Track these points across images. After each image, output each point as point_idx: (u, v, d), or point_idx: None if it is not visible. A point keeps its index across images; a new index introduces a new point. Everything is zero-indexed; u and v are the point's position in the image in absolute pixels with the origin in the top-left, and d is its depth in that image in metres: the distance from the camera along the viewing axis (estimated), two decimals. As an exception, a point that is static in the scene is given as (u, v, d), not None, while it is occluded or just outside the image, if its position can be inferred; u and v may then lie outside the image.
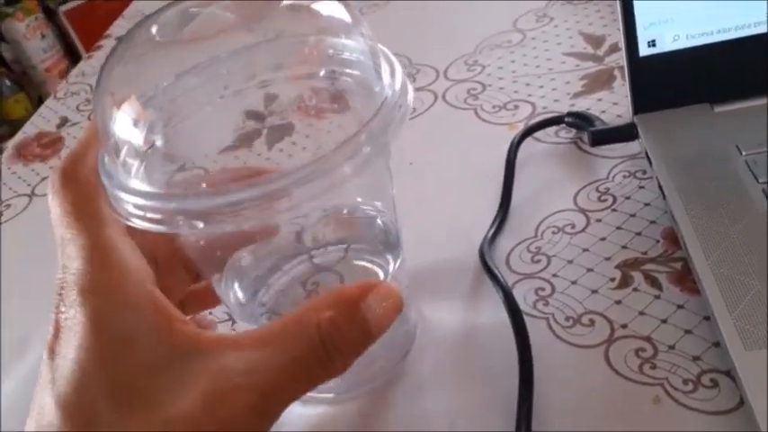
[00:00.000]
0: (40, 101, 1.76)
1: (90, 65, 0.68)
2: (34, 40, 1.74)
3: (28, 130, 0.60)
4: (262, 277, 0.28)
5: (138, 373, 0.22)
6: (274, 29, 0.24)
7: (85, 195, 0.24)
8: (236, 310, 0.29)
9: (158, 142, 0.24)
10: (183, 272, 0.28)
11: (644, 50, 0.37)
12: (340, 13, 0.25)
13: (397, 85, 0.24)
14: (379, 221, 0.29)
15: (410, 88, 0.24)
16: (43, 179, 0.53)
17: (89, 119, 0.59)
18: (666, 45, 0.37)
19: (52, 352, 0.23)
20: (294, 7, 0.24)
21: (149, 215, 0.22)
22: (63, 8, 1.76)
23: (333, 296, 0.23)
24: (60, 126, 0.59)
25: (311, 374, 0.22)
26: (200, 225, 0.21)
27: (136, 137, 0.24)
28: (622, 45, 0.37)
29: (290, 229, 0.28)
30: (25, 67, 1.77)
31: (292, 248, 0.28)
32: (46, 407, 0.22)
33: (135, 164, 0.23)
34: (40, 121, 0.61)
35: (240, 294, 0.28)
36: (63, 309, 0.23)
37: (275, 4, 0.24)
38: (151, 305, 0.23)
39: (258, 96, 0.26)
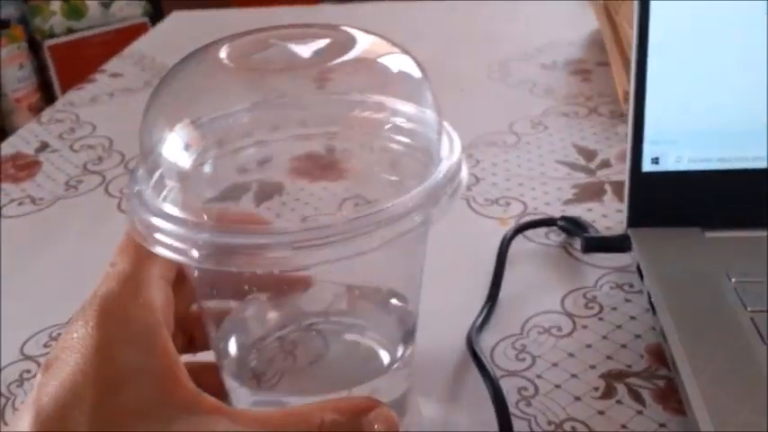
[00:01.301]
0: (2, 131, 1.72)
1: (79, 95, 0.67)
2: (11, 69, 1.71)
3: (5, 149, 0.58)
4: (257, 340, 0.27)
5: (126, 414, 0.20)
6: (342, 77, 0.24)
7: None
8: (229, 369, 0.27)
9: (207, 168, 0.23)
10: (180, 334, 0.27)
11: (647, 166, 0.38)
12: (408, 72, 0.25)
13: (454, 159, 0.23)
14: (396, 303, 0.28)
15: (465, 166, 0.24)
16: (12, 200, 0.51)
17: (72, 148, 0.57)
18: (669, 164, 0.38)
19: (47, 369, 0.21)
20: (363, 61, 0.24)
21: (172, 242, 0.21)
22: (48, 42, 1.75)
23: (339, 402, 0.24)
24: (40, 151, 0.57)
25: None
26: (215, 261, 0.20)
27: (183, 160, 0.23)
28: (627, 157, 0.38)
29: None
30: (-5, 93, 1.74)
31: (297, 315, 0.27)
32: (23, 423, 0.20)
33: (172, 186, 0.22)
34: (19, 143, 0.59)
35: (234, 353, 0.27)
36: (75, 327, 0.22)
37: (347, 49, 0.23)
38: (162, 352, 0.22)
39: (303, 149, 0.25)
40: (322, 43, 0.24)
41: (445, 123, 0.25)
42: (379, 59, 0.24)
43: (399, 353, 0.27)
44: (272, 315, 0.28)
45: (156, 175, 0.23)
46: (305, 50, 0.23)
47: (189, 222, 0.21)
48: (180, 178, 0.23)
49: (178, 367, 0.22)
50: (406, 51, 0.25)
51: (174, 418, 0.21)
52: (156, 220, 0.21)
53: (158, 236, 0.21)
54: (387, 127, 0.25)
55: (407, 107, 0.25)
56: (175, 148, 0.23)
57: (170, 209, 0.21)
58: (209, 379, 0.29)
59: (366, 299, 0.28)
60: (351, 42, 0.24)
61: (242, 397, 0.26)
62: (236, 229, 0.20)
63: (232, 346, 0.27)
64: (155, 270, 0.24)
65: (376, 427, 0.23)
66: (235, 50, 0.24)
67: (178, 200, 0.22)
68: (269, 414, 0.23)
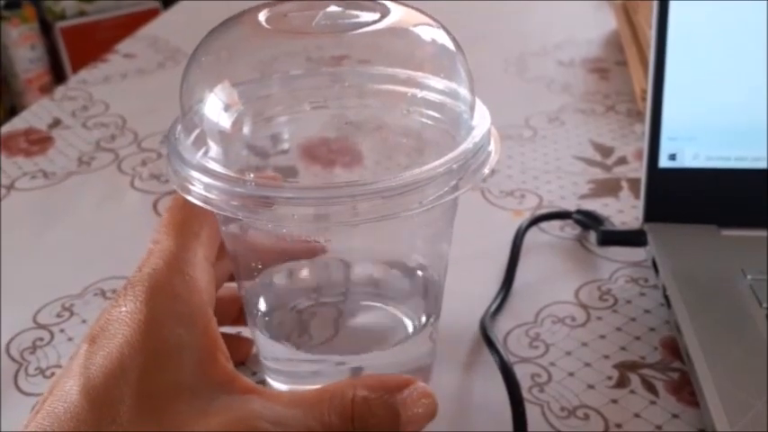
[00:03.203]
0: (13, 111, 1.71)
1: (92, 74, 0.67)
2: (23, 49, 1.71)
3: (18, 123, 0.58)
4: (285, 303, 0.27)
5: (170, 388, 0.21)
6: (373, 46, 0.24)
7: (198, 217, 0.25)
8: (260, 324, 0.28)
9: (245, 129, 0.23)
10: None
11: (664, 162, 0.38)
12: (442, 44, 0.25)
13: (483, 131, 0.23)
14: (420, 275, 0.28)
15: (496, 137, 0.24)
16: (24, 174, 0.51)
17: (85, 126, 0.57)
18: (686, 161, 0.38)
19: (94, 341, 0.22)
20: (396, 31, 0.24)
21: (210, 194, 0.21)
22: (60, 24, 1.75)
23: (371, 380, 0.24)
24: (52, 127, 0.57)
25: None
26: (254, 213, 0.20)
27: (224, 120, 0.23)
28: (644, 152, 0.38)
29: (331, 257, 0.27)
30: (6, 73, 1.74)
31: (326, 282, 0.28)
32: (70, 391, 0.21)
33: (212, 144, 0.23)
34: (32, 118, 0.59)
35: (265, 312, 0.27)
36: (122, 302, 0.22)
37: (381, 19, 0.24)
38: (205, 331, 0.23)
39: (331, 118, 0.26)
40: (360, 12, 0.24)
41: (477, 99, 0.25)
42: (412, 30, 0.24)
43: (422, 322, 0.27)
44: (301, 280, 0.28)
45: (195, 133, 0.23)
46: (343, 17, 0.23)
47: (228, 177, 0.21)
48: (220, 138, 0.23)
49: (219, 347, 0.23)
50: (440, 24, 0.25)
51: (214, 395, 0.21)
52: (196, 174, 0.21)
53: (197, 188, 0.21)
54: (417, 99, 0.25)
55: (438, 81, 0.25)
56: (216, 109, 0.23)
57: (210, 164, 0.21)
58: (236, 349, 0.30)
59: (390, 268, 0.28)
60: (386, 12, 0.24)
61: (269, 355, 0.27)
62: (272, 184, 0.20)
63: (261, 309, 0.27)
64: (200, 251, 0.24)
65: (414, 409, 0.23)
66: (273, 15, 0.24)
67: (218, 157, 0.22)
68: (301, 394, 0.23)
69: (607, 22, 0.69)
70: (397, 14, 0.24)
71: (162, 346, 0.21)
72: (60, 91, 0.64)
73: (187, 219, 0.25)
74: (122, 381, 0.21)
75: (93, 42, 1.62)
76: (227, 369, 0.22)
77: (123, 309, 0.22)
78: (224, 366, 0.22)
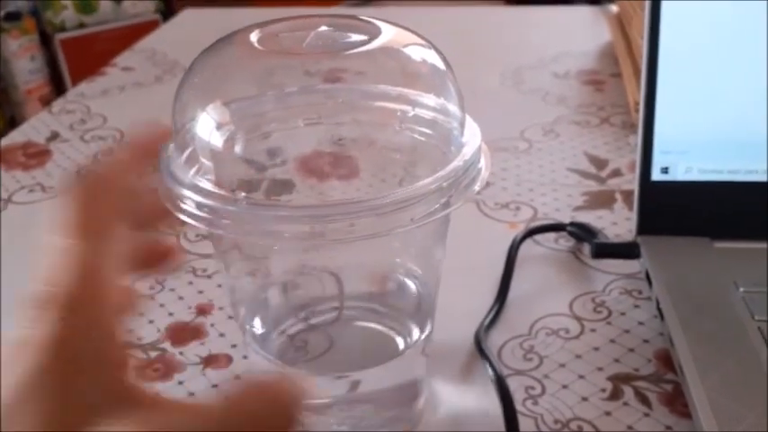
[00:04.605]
0: (12, 121, 1.72)
1: (90, 87, 0.67)
2: (23, 61, 1.72)
3: (15, 137, 0.58)
4: (279, 320, 0.28)
5: (73, 407, 0.20)
6: (365, 65, 0.24)
7: (108, 208, 0.22)
8: (252, 340, 0.28)
9: (238, 148, 0.24)
10: None
11: (656, 175, 0.38)
12: (432, 63, 0.25)
13: (473, 148, 0.24)
14: (413, 289, 0.28)
15: (486, 153, 0.25)
16: (22, 187, 0.51)
17: (82, 139, 0.58)
18: (678, 174, 0.38)
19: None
20: (388, 51, 0.24)
21: (203, 213, 0.21)
22: (60, 36, 1.76)
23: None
24: (50, 140, 0.58)
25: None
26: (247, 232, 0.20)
27: (215, 139, 0.23)
28: (637, 166, 0.38)
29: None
30: (7, 84, 1.74)
31: (319, 298, 0.28)
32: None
33: (203, 163, 0.23)
34: (30, 131, 0.59)
35: (259, 329, 0.27)
36: (31, 323, 0.21)
37: (372, 39, 0.24)
38: (112, 344, 0.21)
39: (325, 134, 0.26)
40: (350, 32, 0.24)
41: (467, 116, 0.26)
42: (403, 50, 0.25)
43: (415, 337, 0.28)
44: (293, 297, 0.28)
45: (188, 151, 0.23)
46: (335, 38, 0.24)
47: (220, 195, 0.21)
48: (212, 156, 0.23)
49: (123, 362, 0.21)
50: (430, 43, 0.25)
51: (121, 408, 0.20)
52: (188, 192, 0.22)
53: (189, 207, 0.21)
54: (408, 116, 0.25)
55: (429, 99, 0.25)
56: (208, 127, 0.23)
57: (202, 183, 0.22)
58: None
59: (383, 282, 0.29)
60: (377, 32, 0.24)
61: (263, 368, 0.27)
62: (264, 203, 0.21)
63: (254, 326, 0.28)
64: (110, 251, 0.22)
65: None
66: (265, 35, 0.24)
67: (210, 175, 0.23)
68: (209, 404, 0.22)
69: (602, 34, 0.70)
70: (388, 35, 0.24)
71: (67, 367, 0.20)
72: (59, 104, 0.64)
73: (99, 218, 0.22)
74: (26, 406, 0.19)
75: (93, 54, 1.62)
76: (129, 381, 0.21)
77: (31, 328, 0.20)
78: (126, 379, 0.21)
